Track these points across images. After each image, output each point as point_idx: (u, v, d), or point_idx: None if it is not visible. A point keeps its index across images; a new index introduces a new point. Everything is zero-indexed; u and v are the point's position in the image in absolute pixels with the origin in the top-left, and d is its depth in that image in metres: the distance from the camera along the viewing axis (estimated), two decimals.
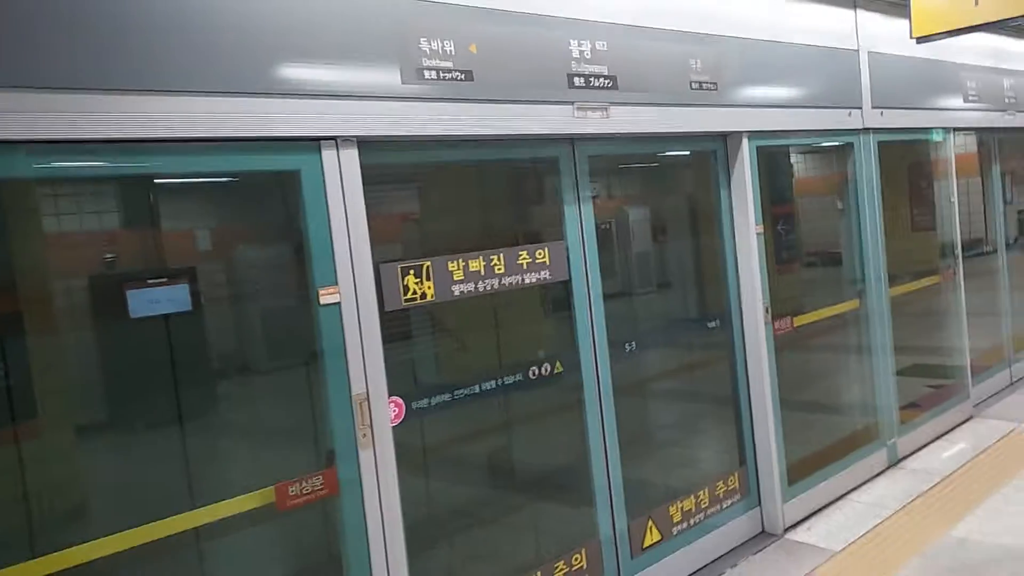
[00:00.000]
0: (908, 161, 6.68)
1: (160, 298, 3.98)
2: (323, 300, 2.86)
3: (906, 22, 5.30)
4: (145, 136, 2.44)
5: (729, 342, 4.66)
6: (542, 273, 3.56)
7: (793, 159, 6.04)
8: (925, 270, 6.61)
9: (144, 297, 3.99)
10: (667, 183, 6.83)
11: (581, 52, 3.57)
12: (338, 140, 2.87)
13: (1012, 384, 7.53)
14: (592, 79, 3.61)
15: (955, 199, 6.54)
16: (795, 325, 4.91)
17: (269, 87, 2.67)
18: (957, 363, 6.56)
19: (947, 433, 6.22)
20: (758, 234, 4.54)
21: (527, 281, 3.49)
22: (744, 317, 4.62)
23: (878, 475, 5.45)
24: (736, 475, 4.59)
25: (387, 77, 2.97)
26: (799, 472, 4.86)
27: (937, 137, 6.24)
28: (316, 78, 2.79)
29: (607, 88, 3.67)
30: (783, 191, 5.11)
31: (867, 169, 5.44)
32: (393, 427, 3.07)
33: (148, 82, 2.43)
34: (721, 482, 4.50)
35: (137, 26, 2.40)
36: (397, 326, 3.74)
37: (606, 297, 3.94)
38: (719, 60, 4.24)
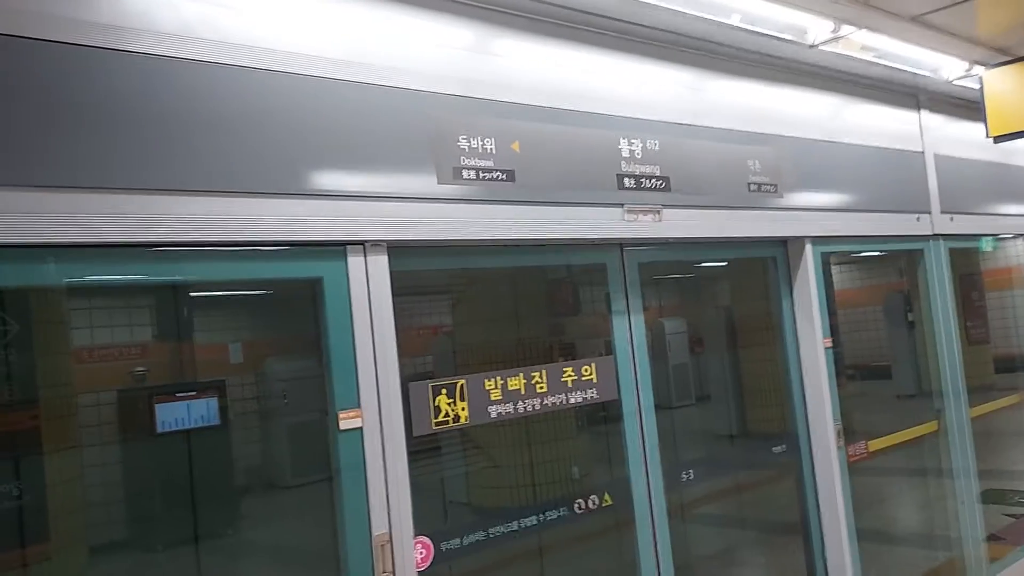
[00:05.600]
0: (959, 270, 6.34)
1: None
2: (343, 425, 2.51)
3: (972, 124, 5.04)
4: (157, 240, 2.19)
5: (797, 468, 4.18)
6: (589, 392, 3.19)
7: (833, 268, 5.76)
8: (985, 385, 6.13)
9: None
10: (711, 293, 6.59)
11: (632, 151, 3.31)
12: (366, 245, 2.59)
13: None
14: (643, 180, 3.32)
15: None
16: (871, 450, 4.42)
17: (293, 188, 2.43)
18: None
19: None
20: (827, 348, 4.13)
21: (572, 401, 3.12)
22: (813, 440, 4.15)
23: None
24: None
25: (422, 176, 2.71)
26: None
27: (988, 246, 5.86)
28: (343, 178, 2.54)
29: (659, 190, 3.38)
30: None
31: (939, 277, 5.04)
32: (419, 572, 2.65)
33: (170, 182, 2.21)
34: None
35: (161, 122, 2.20)
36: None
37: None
38: (779, 161, 3.96)
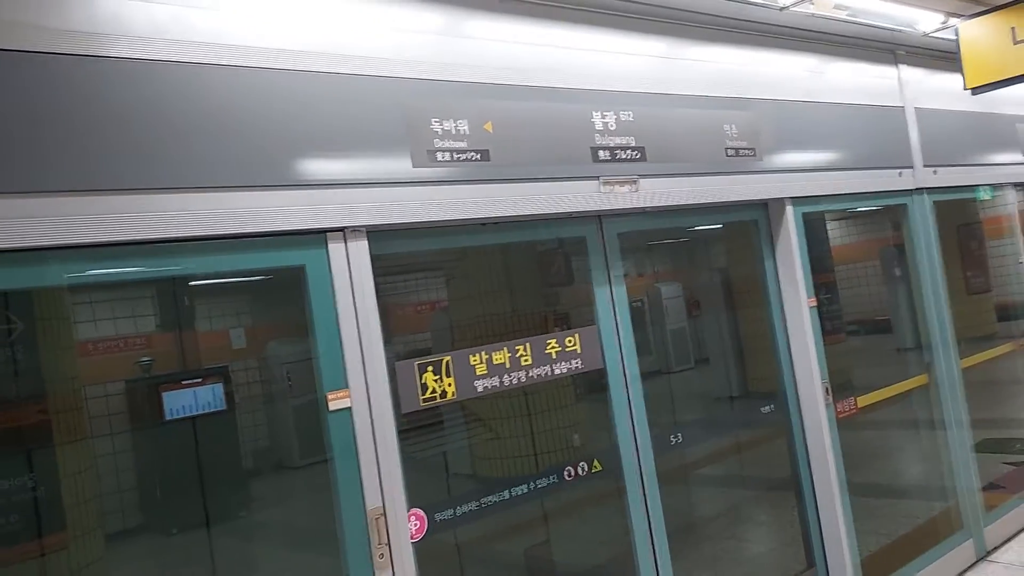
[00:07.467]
0: (957, 220, 6.34)
1: None
2: (332, 405, 2.60)
3: (953, 76, 5.05)
4: (143, 238, 2.27)
5: (786, 427, 4.26)
6: (573, 362, 3.27)
7: (829, 225, 5.78)
8: (986, 335, 6.18)
9: None
10: (703, 256, 6.62)
11: (605, 124, 3.35)
12: (346, 231, 2.66)
13: None
14: (618, 151, 3.38)
15: None
16: (859, 405, 4.49)
17: (271, 179, 2.49)
18: None
19: None
20: (811, 308, 4.19)
21: (557, 372, 3.20)
22: (801, 399, 4.23)
23: (967, 571, 4.87)
24: None
25: (397, 161, 2.77)
26: (875, 570, 4.36)
27: (985, 195, 5.86)
28: (321, 167, 2.60)
29: (635, 160, 3.44)
30: (821, 258, 4.83)
31: (923, 231, 5.08)
32: (414, 543, 2.76)
33: (150, 181, 2.28)
34: None
35: (142, 124, 2.28)
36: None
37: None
38: (755, 124, 4.00)
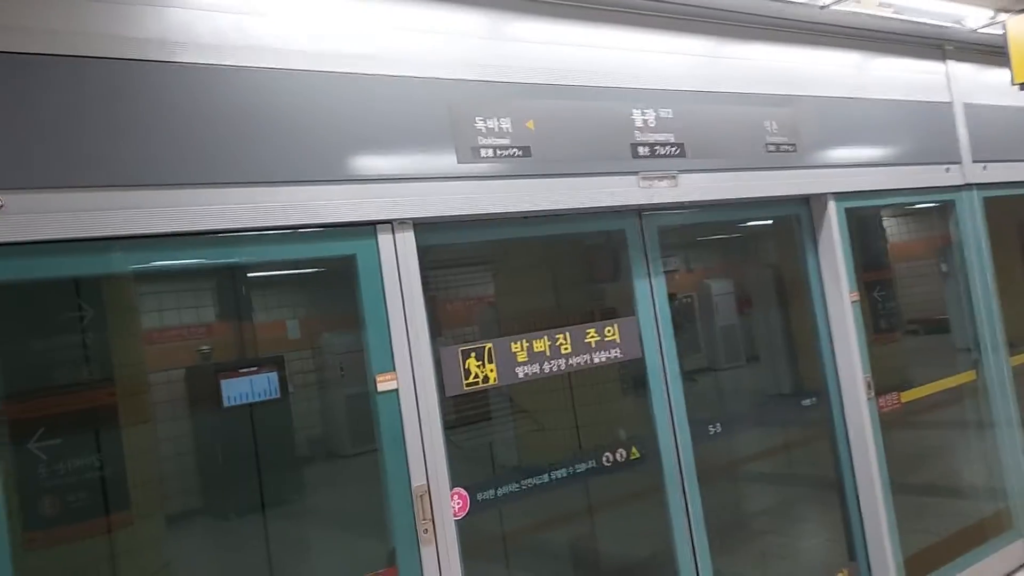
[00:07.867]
0: (1020, 217, 6.22)
1: None
2: (381, 387, 2.76)
3: (1004, 71, 4.99)
4: (209, 228, 2.45)
5: (828, 421, 4.29)
6: (612, 352, 3.37)
7: (888, 221, 5.72)
8: None
9: None
10: (753, 252, 6.60)
11: (645, 121, 3.45)
12: (394, 223, 2.82)
13: None
14: (657, 147, 3.47)
15: None
16: (903, 400, 4.49)
17: (326, 175, 2.67)
18: None
19: None
20: (853, 302, 4.22)
21: (596, 361, 3.31)
22: (843, 393, 4.26)
23: (1017, 572, 4.81)
24: (846, 572, 4.16)
25: (442, 157, 2.92)
26: (920, 567, 4.35)
27: None
28: (371, 163, 2.76)
29: (674, 156, 3.52)
30: (877, 255, 4.79)
31: (973, 228, 5.04)
32: (457, 521, 2.90)
33: (217, 176, 2.48)
34: None
35: (208, 124, 2.47)
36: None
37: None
38: (797, 120, 4.04)
